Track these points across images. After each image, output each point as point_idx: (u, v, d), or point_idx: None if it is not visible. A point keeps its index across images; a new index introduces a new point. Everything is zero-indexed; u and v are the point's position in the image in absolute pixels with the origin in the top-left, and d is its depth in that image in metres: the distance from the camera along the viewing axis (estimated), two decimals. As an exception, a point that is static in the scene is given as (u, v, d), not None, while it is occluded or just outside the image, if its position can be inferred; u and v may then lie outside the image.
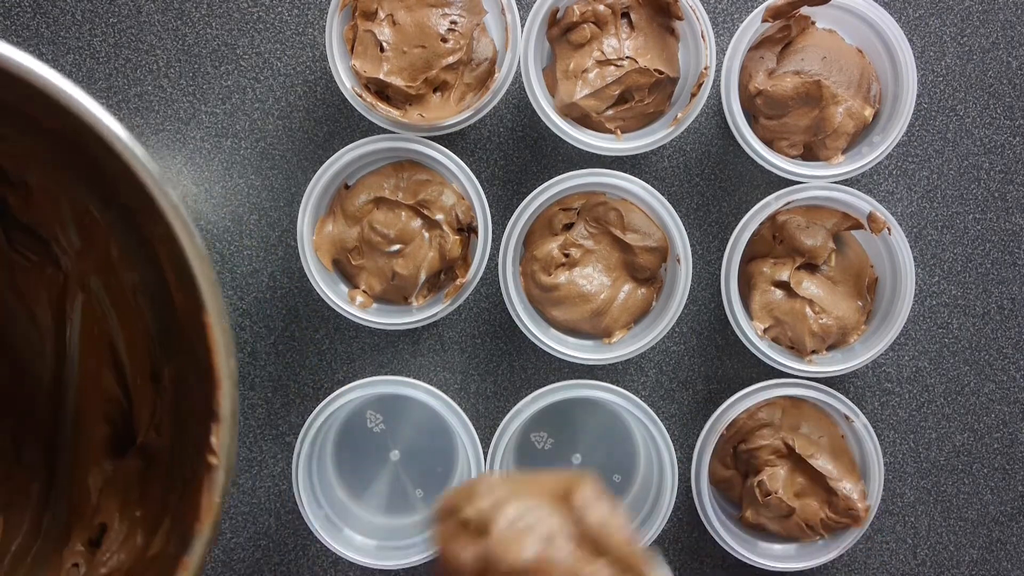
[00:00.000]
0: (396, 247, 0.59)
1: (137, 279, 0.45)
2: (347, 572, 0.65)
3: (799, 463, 0.61)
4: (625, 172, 0.59)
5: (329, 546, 0.60)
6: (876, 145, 0.60)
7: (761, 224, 0.60)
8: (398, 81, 0.59)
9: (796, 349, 0.62)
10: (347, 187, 0.61)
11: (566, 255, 0.61)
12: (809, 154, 0.62)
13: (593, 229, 0.61)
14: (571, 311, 0.61)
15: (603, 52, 0.59)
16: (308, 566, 0.65)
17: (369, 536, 0.62)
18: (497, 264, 0.60)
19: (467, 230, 0.61)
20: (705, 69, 0.58)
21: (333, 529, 0.61)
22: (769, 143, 0.61)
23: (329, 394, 0.59)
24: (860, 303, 0.63)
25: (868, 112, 0.60)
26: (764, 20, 0.59)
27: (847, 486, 0.60)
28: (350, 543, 0.61)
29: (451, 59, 0.58)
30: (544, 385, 0.60)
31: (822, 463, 0.60)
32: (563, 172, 0.59)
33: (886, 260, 0.62)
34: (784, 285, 0.61)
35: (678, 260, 0.59)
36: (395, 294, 0.61)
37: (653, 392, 0.64)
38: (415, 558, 0.60)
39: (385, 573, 0.64)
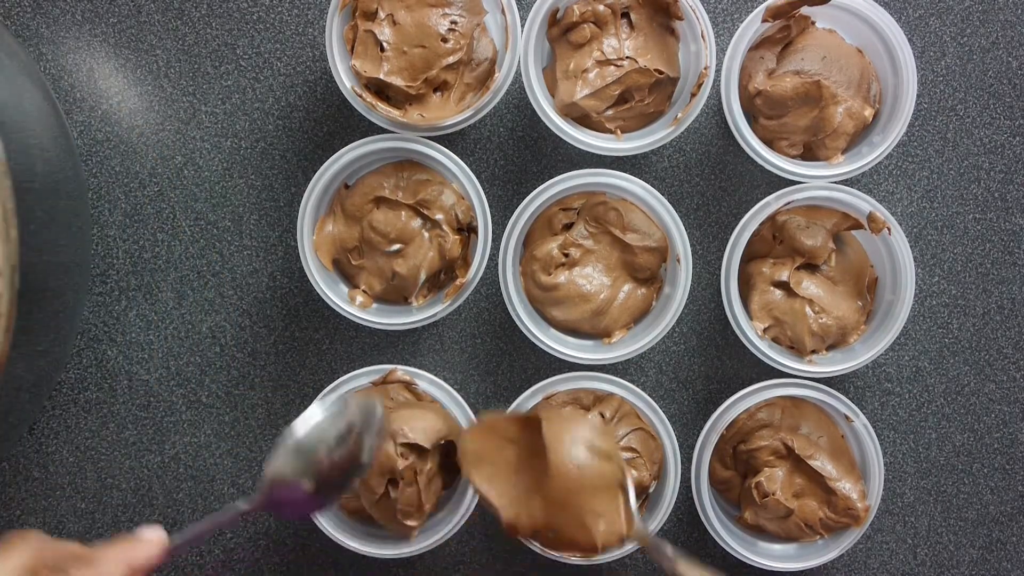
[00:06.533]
0: (396, 247, 0.59)
1: None
2: (347, 571, 0.65)
3: (798, 463, 0.61)
4: (625, 172, 0.59)
5: (337, 540, 0.60)
6: (876, 145, 0.60)
7: (761, 224, 0.60)
8: (398, 81, 0.58)
9: (796, 349, 0.62)
10: (347, 187, 0.61)
11: (566, 255, 0.61)
12: (809, 154, 0.62)
13: (593, 229, 0.61)
14: (571, 311, 0.61)
15: (603, 52, 0.59)
16: (308, 566, 0.65)
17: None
18: (497, 264, 0.60)
19: (467, 230, 0.61)
20: (705, 69, 0.58)
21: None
22: (769, 143, 0.61)
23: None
24: (860, 303, 0.62)
25: (868, 112, 0.60)
26: (764, 20, 0.59)
27: (847, 486, 0.60)
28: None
29: (451, 59, 0.58)
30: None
31: (821, 463, 0.60)
32: (563, 172, 0.59)
33: (886, 260, 0.62)
34: (784, 285, 0.61)
35: (678, 260, 0.59)
36: (395, 294, 0.61)
37: (653, 392, 0.64)
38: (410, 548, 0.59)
39: (383, 566, 0.64)
